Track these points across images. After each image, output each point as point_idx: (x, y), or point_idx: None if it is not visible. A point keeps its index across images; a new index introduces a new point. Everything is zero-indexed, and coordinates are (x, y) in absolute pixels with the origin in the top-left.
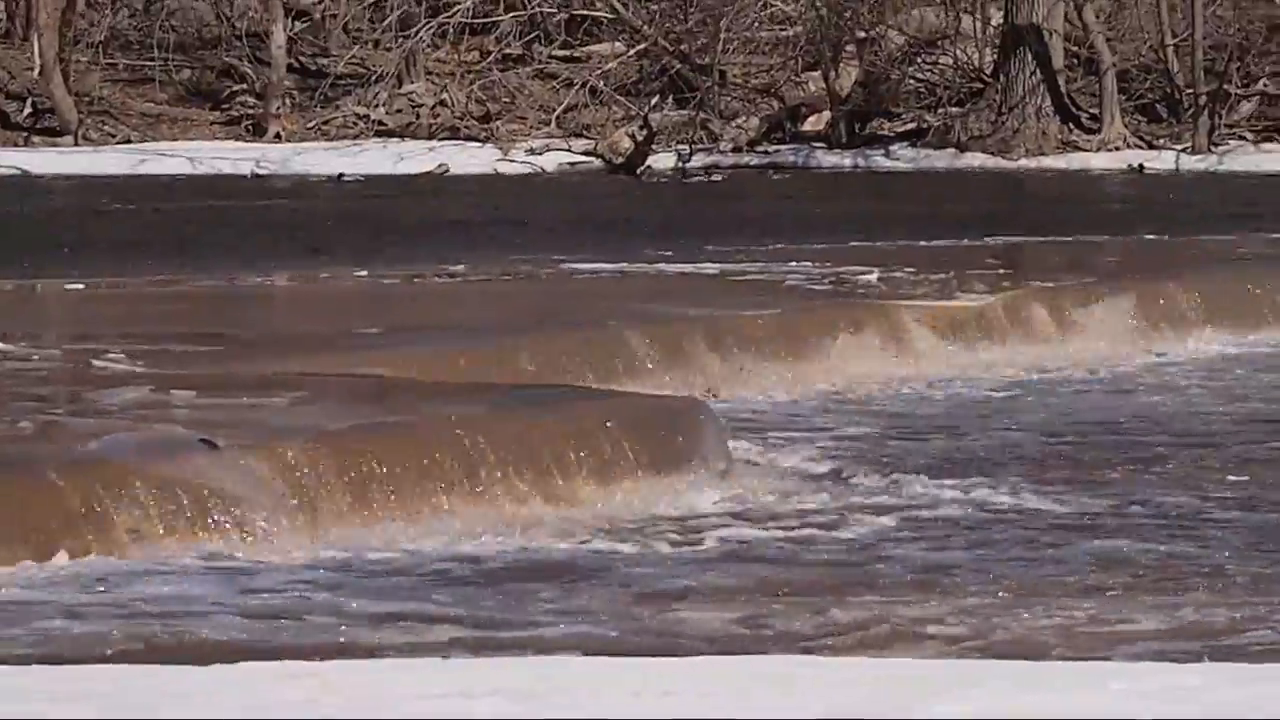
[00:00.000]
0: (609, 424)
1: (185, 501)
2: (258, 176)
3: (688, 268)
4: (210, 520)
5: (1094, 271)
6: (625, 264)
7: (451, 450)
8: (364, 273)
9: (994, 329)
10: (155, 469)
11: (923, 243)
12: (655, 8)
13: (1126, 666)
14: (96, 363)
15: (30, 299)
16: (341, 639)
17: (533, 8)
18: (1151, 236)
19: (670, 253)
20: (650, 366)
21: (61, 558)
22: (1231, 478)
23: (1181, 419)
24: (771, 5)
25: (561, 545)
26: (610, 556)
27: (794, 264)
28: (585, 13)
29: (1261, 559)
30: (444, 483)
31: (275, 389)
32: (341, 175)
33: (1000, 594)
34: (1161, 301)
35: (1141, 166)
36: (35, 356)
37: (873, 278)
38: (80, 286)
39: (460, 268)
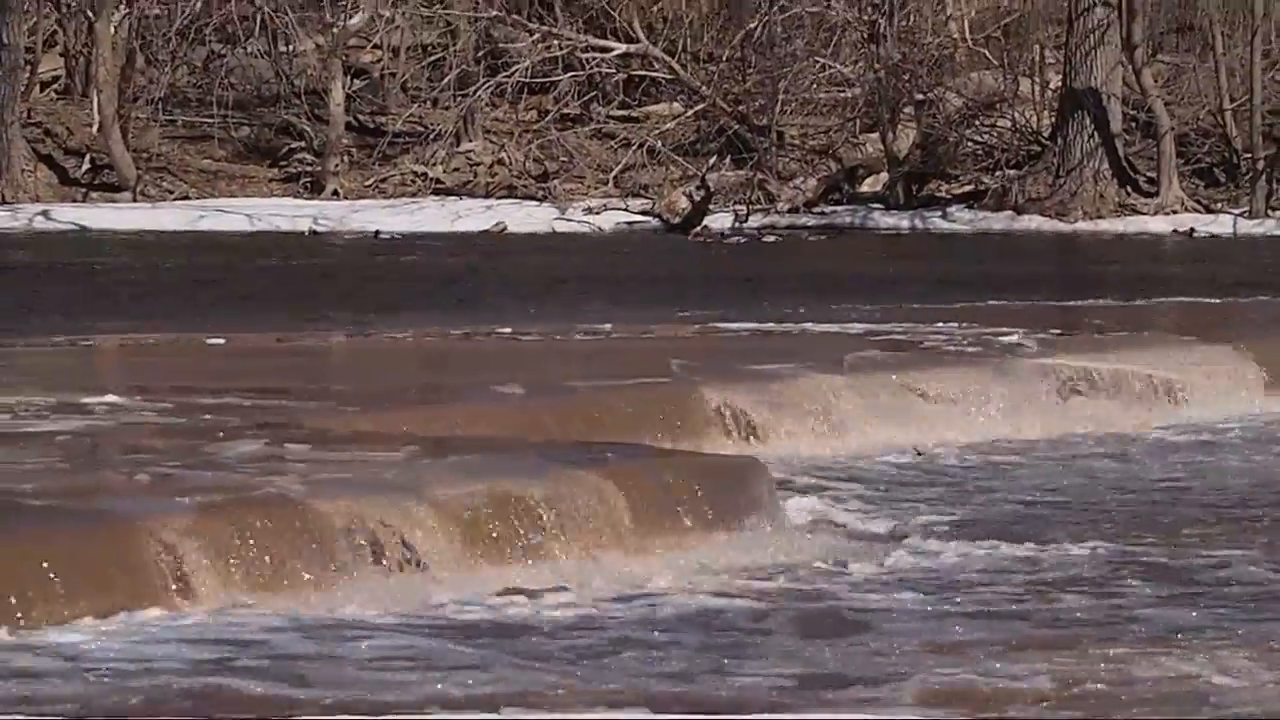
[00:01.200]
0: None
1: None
2: (315, 233)
3: (833, 327)
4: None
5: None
6: (772, 324)
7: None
8: (507, 329)
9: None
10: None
11: (1046, 303)
12: (714, 69)
13: None
14: (206, 416)
15: (133, 352)
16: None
17: (591, 68)
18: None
19: (801, 310)
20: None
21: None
22: None
23: None
24: (830, 67)
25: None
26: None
27: (939, 324)
28: (644, 73)
29: None
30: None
31: (382, 444)
32: (378, 232)
33: None
34: None
35: (1192, 230)
36: (146, 410)
37: (1015, 339)
38: (220, 340)
39: (607, 326)
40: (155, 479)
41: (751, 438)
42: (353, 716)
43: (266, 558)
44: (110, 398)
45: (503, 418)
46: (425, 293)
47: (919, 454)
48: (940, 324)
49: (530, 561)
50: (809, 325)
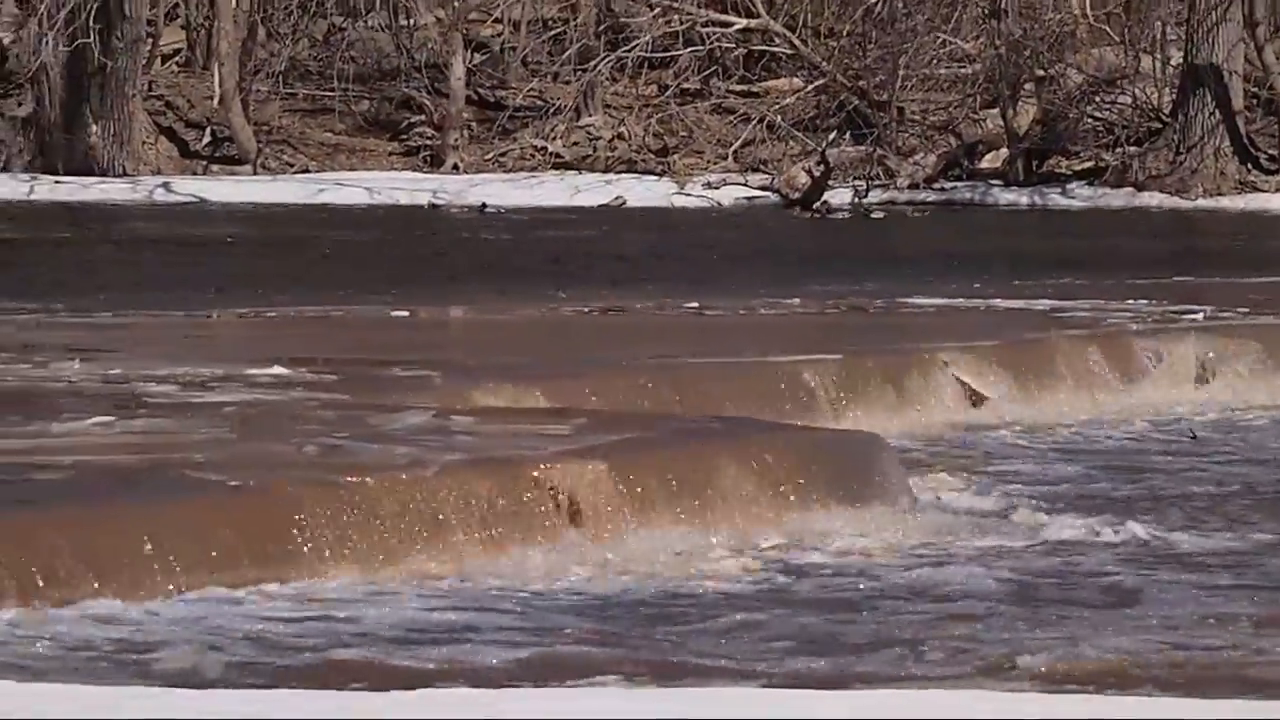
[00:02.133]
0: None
1: None
2: (434, 206)
3: (1018, 303)
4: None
5: None
6: (960, 299)
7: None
8: (693, 303)
9: None
10: None
11: (1212, 279)
12: (835, 44)
13: None
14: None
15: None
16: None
17: (711, 43)
18: None
19: (978, 285)
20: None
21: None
22: None
23: None
24: (951, 43)
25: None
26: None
27: (1128, 301)
28: (764, 48)
29: None
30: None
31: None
32: (485, 205)
33: None
34: None
35: None
36: (315, 381)
37: (1200, 316)
38: (405, 313)
39: (794, 301)
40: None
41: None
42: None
43: None
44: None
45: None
46: (580, 269)
47: (1194, 436)
48: (1127, 300)
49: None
50: (996, 301)
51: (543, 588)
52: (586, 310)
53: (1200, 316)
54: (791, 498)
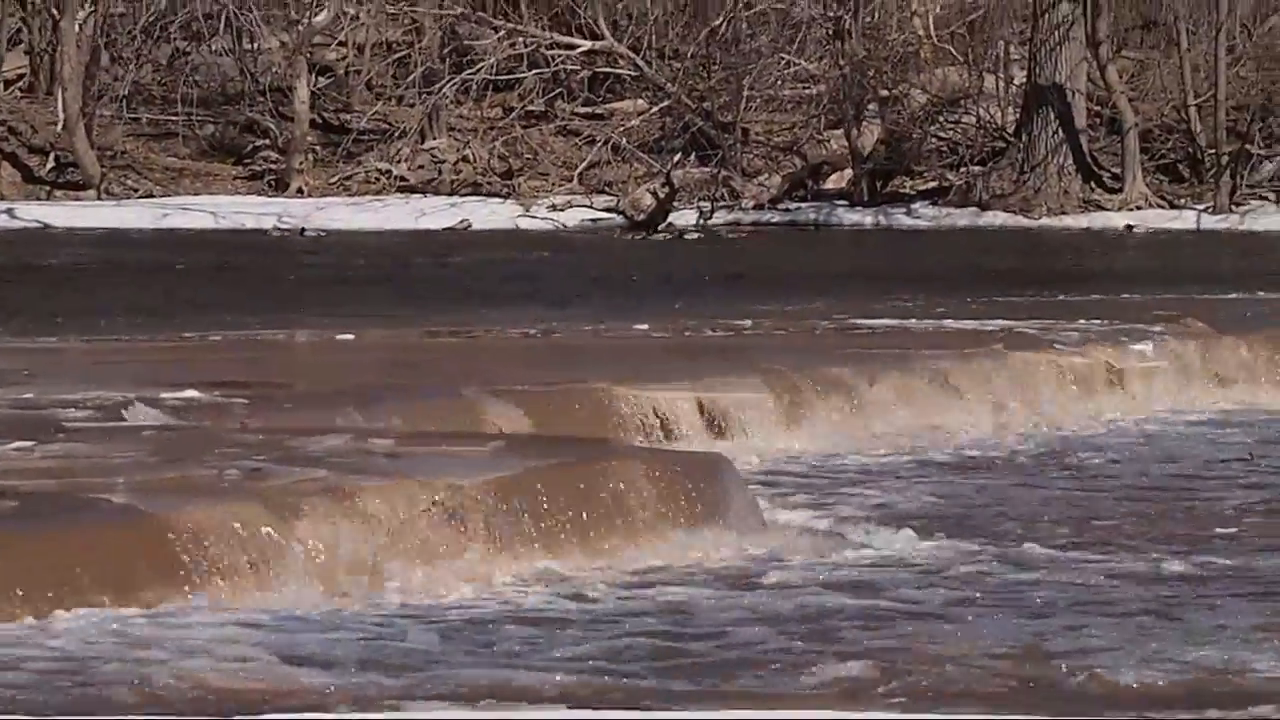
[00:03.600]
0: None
1: None
2: (280, 231)
3: (969, 324)
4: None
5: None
6: (912, 319)
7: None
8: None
9: None
10: None
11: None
12: (679, 66)
13: None
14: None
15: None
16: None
17: (556, 65)
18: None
19: (909, 305)
20: None
21: None
22: None
23: None
24: (795, 64)
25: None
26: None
27: (1076, 321)
28: (608, 70)
29: None
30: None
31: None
32: (304, 230)
33: None
34: None
35: (1130, 227)
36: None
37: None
38: (349, 337)
39: (747, 322)
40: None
41: None
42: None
43: None
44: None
45: None
46: (425, 292)
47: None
48: (1067, 321)
49: None
50: (948, 322)
51: (361, 610)
52: (432, 333)
53: (1155, 332)
54: (637, 518)
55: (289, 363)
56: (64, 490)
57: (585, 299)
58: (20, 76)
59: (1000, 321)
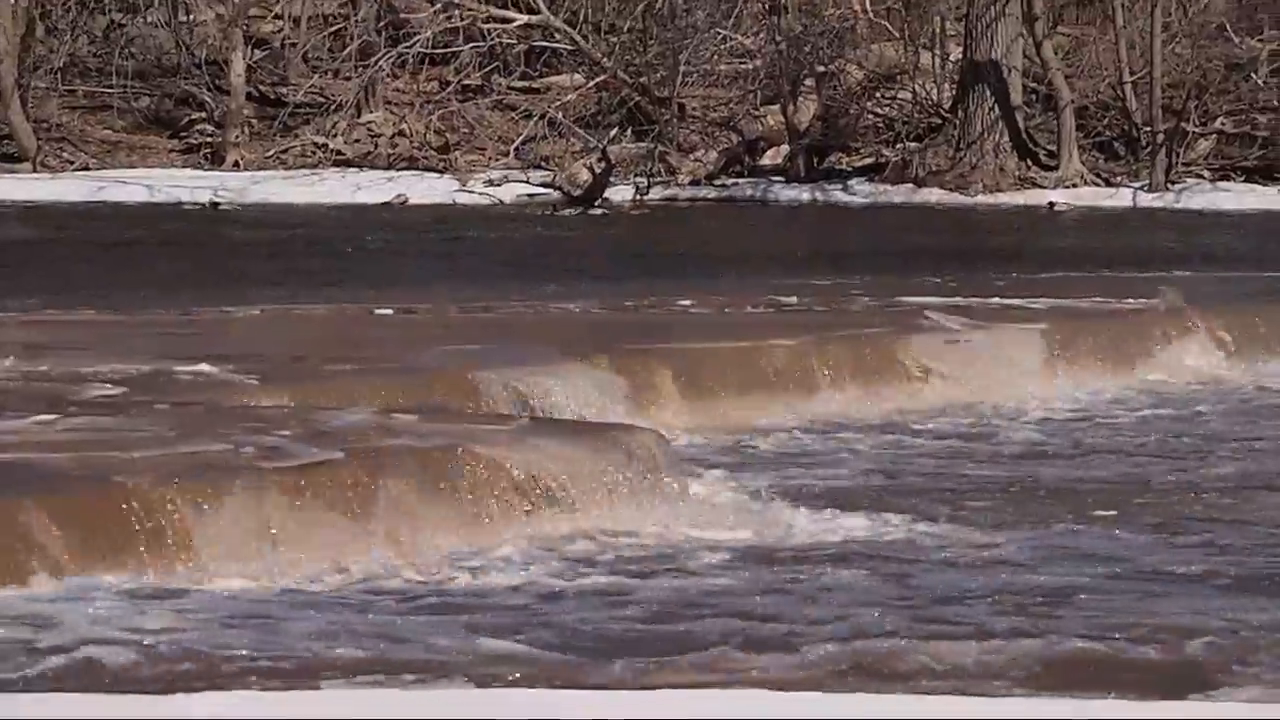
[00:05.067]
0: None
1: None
2: (216, 205)
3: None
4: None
5: None
6: (961, 297)
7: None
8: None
9: None
10: None
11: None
12: (615, 40)
13: None
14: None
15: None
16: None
17: (493, 39)
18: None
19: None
20: None
21: None
22: None
23: None
24: (731, 39)
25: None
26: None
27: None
28: (545, 44)
29: None
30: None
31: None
32: (216, 203)
33: None
34: None
35: (1052, 205)
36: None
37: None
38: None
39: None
40: None
41: None
42: None
43: None
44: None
45: None
46: (361, 267)
47: None
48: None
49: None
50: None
51: (332, 586)
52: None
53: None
54: (565, 492)
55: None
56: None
57: (511, 276)
58: None
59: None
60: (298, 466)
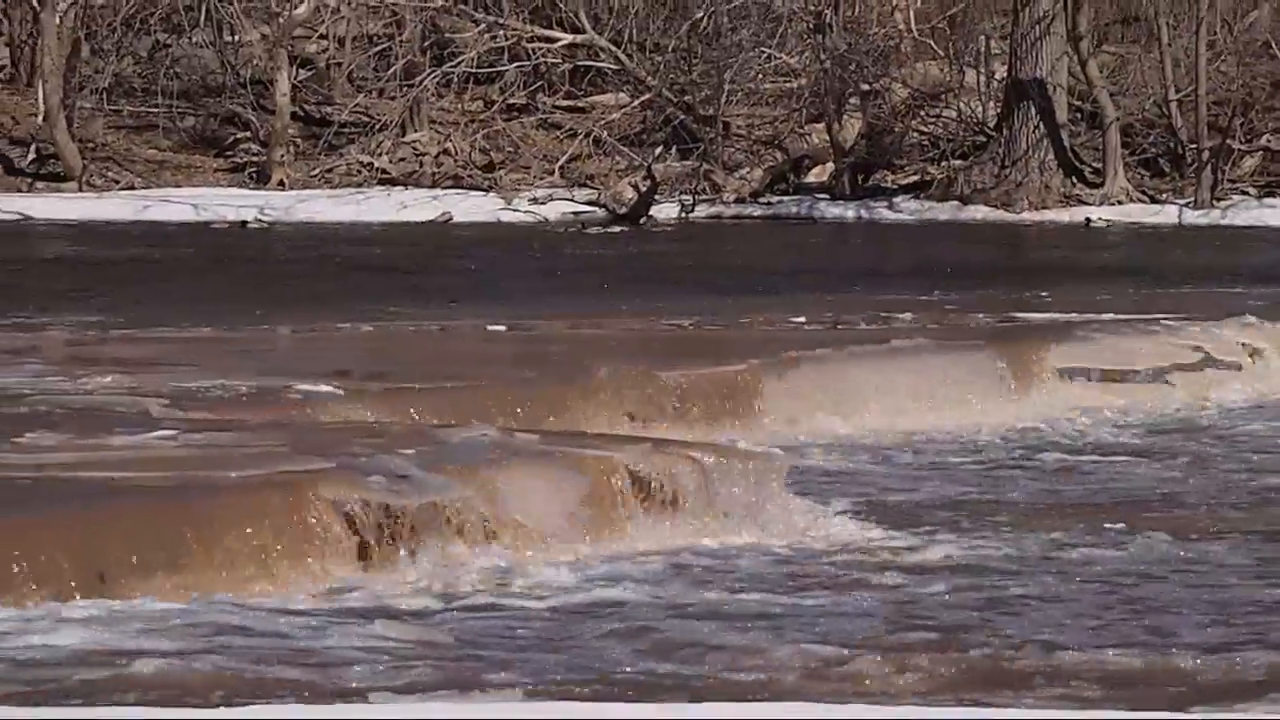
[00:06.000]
0: None
1: None
2: (243, 224)
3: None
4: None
5: None
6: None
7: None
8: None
9: None
10: None
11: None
12: (660, 59)
13: None
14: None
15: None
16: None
17: (537, 58)
18: None
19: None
20: None
21: None
22: None
23: None
24: (776, 58)
25: None
26: None
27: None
28: (590, 63)
29: None
30: None
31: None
32: (245, 223)
33: None
34: None
35: (1088, 221)
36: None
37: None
38: (502, 327)
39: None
40: None
41: None
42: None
43: None
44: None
45: None
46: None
47: None
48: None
49: None
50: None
51: (316, 604)
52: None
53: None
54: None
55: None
56: None
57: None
58: (1, 68)
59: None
60: None
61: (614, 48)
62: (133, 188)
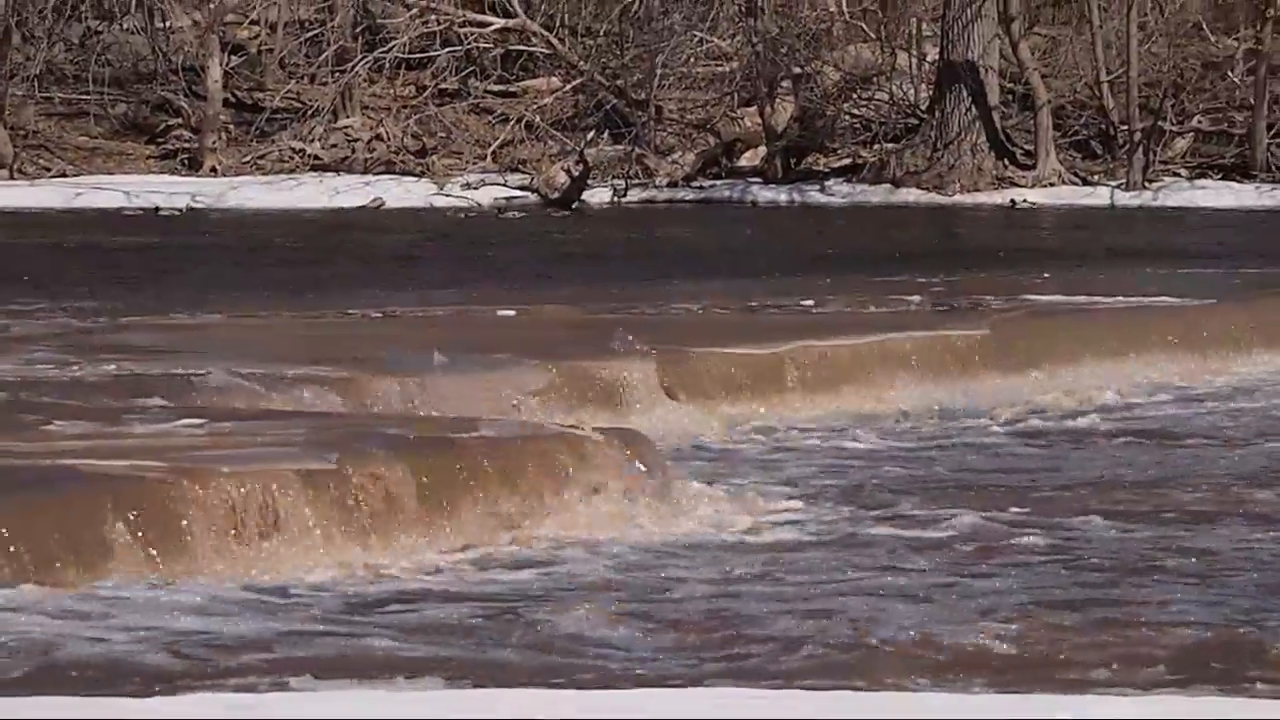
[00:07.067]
0: None
1: None
2: (193, 210)
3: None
4: None
5: None
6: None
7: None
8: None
9: None
10: None
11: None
12: (592, 43)
13: None
14: None
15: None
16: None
17: (469, 43)
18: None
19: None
20: None
21: None
22: None
23: None
24: (708, 41)
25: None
26: None
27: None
28: (521, 48)
29: None
30: None
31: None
32: (158, 209)
33: None
34: None
35: (1014, 202)
36: None
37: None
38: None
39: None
40: None
41: None
42: None
43: None
44: None
45: None
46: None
47: None
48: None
49: None
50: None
51: (283, 582)
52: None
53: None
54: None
55: None
56: None
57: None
58: None
59: None
60: None
61: (546, 32)
62: (64, 175)
